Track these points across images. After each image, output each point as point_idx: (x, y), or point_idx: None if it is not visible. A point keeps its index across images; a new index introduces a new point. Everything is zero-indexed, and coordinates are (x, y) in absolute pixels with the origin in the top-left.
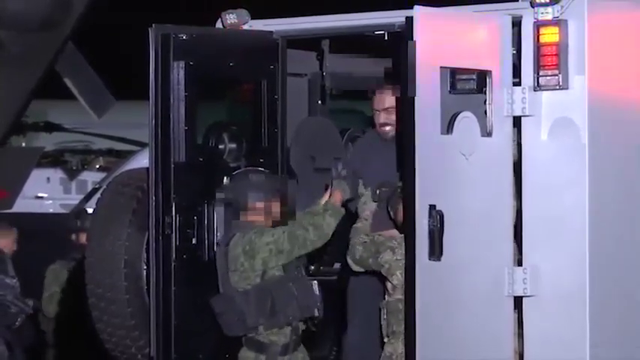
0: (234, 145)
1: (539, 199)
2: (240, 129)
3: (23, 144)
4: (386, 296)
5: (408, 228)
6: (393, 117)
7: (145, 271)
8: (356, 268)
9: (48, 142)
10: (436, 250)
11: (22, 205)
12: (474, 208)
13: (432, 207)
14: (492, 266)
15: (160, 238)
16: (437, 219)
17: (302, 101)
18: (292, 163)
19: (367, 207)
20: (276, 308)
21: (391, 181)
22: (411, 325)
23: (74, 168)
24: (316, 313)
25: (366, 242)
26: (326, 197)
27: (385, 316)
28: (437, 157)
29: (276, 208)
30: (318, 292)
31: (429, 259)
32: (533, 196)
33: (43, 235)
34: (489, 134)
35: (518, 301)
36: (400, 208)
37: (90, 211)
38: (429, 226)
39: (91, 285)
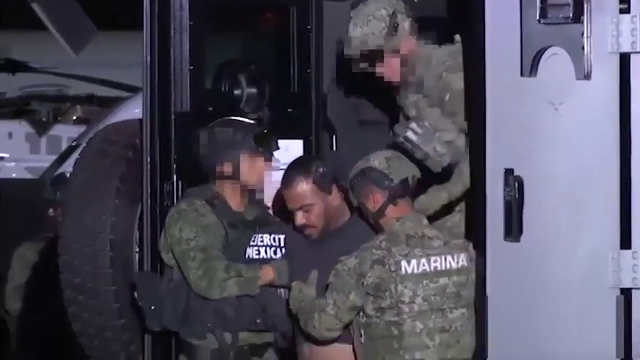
0: (253, 90)
1: None
2: (262, 69)
3: None
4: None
5: (477, 199)
6: (313, 217)
7: (137, 255)
8: (327, 334)
9: (10, 85)
10: (514, 228)
11: None
12: (565, 173)
13: (509, 172)
14: (591, 249)
15: (157, 211)
16: (515, 187)
17: (343, 32)
18: (330, 113)
19: None
20: (190, 312)
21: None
22: (484, 326)
23: (44, 120)
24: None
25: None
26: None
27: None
28: (515, 107)
29: (248, 173)
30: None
31: (505, 240)
32: None
33: (4, 207)
34: (587, 77)
35: (625, 295)
36: (367, 192)
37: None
38: (505, 196)
39: (66, 273)
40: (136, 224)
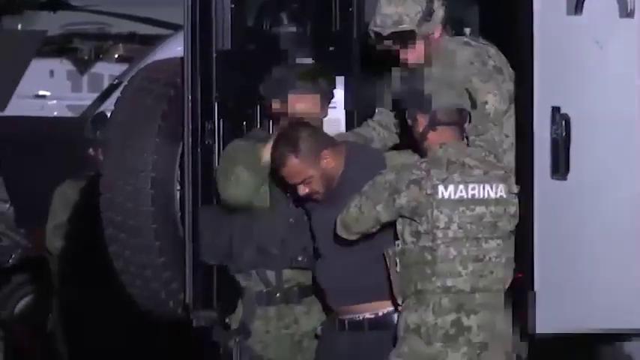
0: (294, 29)
1: None
2: (304, 7)
3: (19, 26)
4: (399, 243)
5: (524, 138)
6: (314, 186)
7: (178, 193)
8: (342, 232)
9: (51, 23)
10: (561, 166)
11: (18, 106)
12: (611, 111)
13: (556, 110)
14: (636, 187)
15: (199, 150)
16: (562, 125)
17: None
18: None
19: None
20: (236, 249)
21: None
22: (529, 264)
23: (86, 58)
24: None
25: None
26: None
27: (398, 268)
28: (561, 45)
29: (299, 111)
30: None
31: (552, 178)
32: None
33: (45, 146)
34: (630, 14)
35: None
36: (414, 114)
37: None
38: (552, 134)
39: (107, 212)
40: (177, 162)
